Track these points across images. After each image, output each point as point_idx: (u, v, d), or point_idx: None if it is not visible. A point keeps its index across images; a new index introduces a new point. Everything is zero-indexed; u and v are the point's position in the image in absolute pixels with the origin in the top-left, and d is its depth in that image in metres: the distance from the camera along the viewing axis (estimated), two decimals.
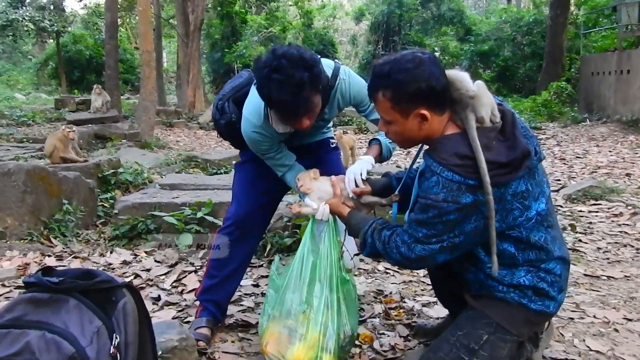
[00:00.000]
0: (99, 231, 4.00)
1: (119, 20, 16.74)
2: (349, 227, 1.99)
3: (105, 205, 4.48)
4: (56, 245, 3.62)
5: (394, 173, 2.19)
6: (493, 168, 1.59)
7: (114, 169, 5.06)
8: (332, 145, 2.55)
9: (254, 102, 2.12)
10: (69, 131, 5.34)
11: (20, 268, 3.22)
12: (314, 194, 2.08)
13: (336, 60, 2.20)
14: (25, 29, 20.57)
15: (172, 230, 3.60)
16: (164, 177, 5.42)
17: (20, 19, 19.92)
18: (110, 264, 3.36)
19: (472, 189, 1.59)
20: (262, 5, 23.51)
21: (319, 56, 1.99)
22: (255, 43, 20.33)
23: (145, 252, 3.54)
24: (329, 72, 2.09)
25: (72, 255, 3.48)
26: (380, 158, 2.28)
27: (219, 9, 22.16)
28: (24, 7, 20.83)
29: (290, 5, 26.22)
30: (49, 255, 3.44)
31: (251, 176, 2.43)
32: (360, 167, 2.07)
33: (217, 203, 3.79)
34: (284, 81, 1.81)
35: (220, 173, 6.28)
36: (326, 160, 2.49)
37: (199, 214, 3.67)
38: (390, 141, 2.26)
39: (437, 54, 21.72)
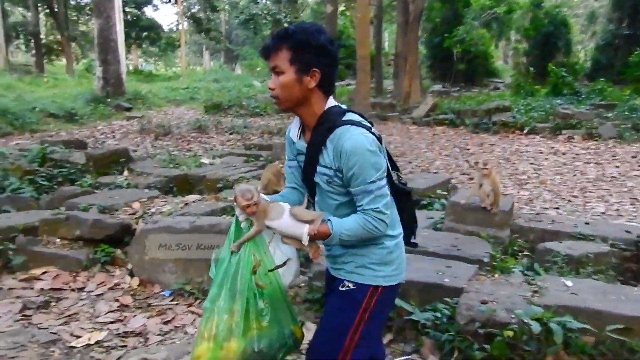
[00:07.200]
0: None
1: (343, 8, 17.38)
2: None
3: None
4: None
5: None
6: None
7: None
8: None
9: None
10: (282, 166, 5.74)
11: None
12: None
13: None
14: (264, 21, 22.79)
15: None
16: None
17: (260, 12, 22.21)
18: None
19: None
20: None
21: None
22: (476, 27, 19.29)
23: None
24: (348, 117, 1.87)
25: None
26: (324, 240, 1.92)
27: None
28: (262, 2, 23.20)
29: None
30: None
31: None
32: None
33: None
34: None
35: (420, 208, 5.40)
36: None
37: None
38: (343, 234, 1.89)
39: None
